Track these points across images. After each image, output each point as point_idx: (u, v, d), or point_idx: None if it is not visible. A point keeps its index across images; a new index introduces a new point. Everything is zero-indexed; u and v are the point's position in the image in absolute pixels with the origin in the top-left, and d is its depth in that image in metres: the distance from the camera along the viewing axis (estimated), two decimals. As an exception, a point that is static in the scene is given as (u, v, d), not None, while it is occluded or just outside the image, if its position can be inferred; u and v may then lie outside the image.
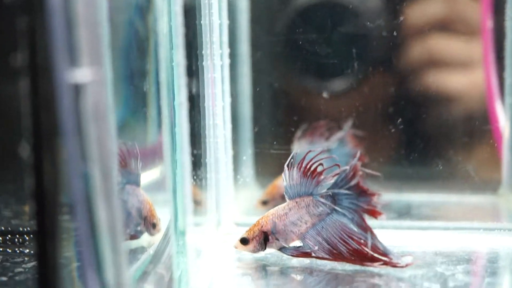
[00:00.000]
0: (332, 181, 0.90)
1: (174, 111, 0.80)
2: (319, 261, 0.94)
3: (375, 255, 0.89)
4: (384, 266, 0.90)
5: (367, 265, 0.91)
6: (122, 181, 0.91)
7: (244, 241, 0.95)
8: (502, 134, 1.25)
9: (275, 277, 0.92)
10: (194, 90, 0.89)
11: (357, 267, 0.92)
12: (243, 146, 1.20)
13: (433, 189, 1.23)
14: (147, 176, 1.01)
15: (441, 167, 1.18)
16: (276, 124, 1.21)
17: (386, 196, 0.92)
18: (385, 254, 0.90)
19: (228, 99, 1.09)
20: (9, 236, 1.08)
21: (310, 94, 1.17)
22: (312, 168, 0.90)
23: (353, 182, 0.88)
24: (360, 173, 0.87)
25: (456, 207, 1.24)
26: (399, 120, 1.17)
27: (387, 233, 1.09)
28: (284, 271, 0.93)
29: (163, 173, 0.92)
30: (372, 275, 0.91)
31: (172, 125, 0.81)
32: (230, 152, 1.11)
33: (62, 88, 0.62)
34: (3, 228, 1.10)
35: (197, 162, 1.02)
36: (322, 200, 0.90)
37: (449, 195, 1.24)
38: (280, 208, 0.94)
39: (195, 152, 1.00)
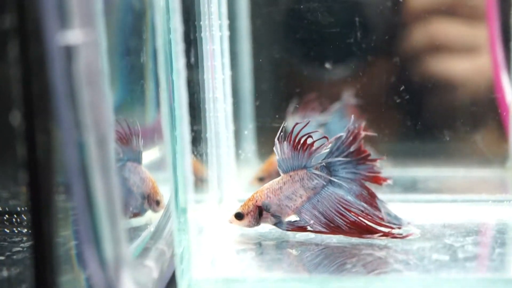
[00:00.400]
0: (326, 150, 0.87)
1: (172, 82, 0.77)
2: (324, 235, 0.91)
3: (375, 226, 0.87)
4: (384, 238, 0.88)
5: (366, 237, 0.88)
6: (123, 159, 0.89)
7: (238, 216, 0.92)
8: (509, 108, 1.22)
9: (278, 252, 0.89)
10: (192, 60, 0.86)
11: (364, 240, 0.90)
12: (245, 120, 1.17)
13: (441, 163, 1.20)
14: (148, 155, 0.99)
15: (447, 139, 1.15)
16: (278, 97, 1.18)
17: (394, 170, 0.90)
18: (386, 225, 0.87)
19: (228, 72, 1.06)
20: (7, 216, 1.05)
21: (312, 65, 1.13)
22: (302, 141, 0.87)
23: (352, 148, 0.85)
24: (362, 135, 0.84)
25: (464, 181, 1.21)
26: (402, 88, 1.14)
27: (394, 206, 1.07)
28: (285, 246, 0.91)
29: (163, 150, 0.90)
30: (379, 248, 0.88)
31: (171, 98, 0.78)
32: (231, 127, 1.08)
33: (53, 51, 0.59)
34: (0, 208, 1.08)
35: (197, 137, 0.99)
36: (317, 172, 0.87)
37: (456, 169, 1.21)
38: (275, 182, 0.91)
39: (195, 127, 0.97)
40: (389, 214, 0.87)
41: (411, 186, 1.17)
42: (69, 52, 0.59)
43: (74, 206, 0.62)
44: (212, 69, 1.01)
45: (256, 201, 0.91)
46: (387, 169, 0.89)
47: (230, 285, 0.81)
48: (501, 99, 1.23)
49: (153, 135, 0.99)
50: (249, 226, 0.92)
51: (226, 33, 1.06)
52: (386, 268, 0.82)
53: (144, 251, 0.83)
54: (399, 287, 0.79)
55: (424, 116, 1.19)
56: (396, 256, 0.86)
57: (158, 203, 0.94)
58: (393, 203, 0.95)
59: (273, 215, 0.91)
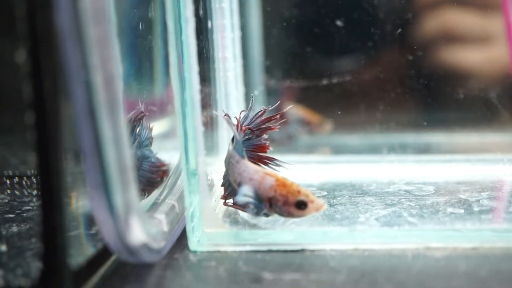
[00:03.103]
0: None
1: (181, 29, 0.75)
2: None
3: None
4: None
5: None
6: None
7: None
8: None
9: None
10: (201, 13, 0.85)
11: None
12: (255, 81, 1.15)
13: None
14: (161, 123, 0.98)
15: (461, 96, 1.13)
16: (289, 56, 1.16)
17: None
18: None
19: (238, 32, 1.05)
20: (17, 179, 1.05)
21: (323, 23, 1.11)
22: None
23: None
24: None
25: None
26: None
27: (408, 167, 1.06)
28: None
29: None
30: (391, 204, 0.87)
31: (182, 57, 0.76)
32: (241, 88, 1.07)
33: (58, -13, 0.58)
34: (10, 172, 1.07)
35: (208, 99, 0.97)
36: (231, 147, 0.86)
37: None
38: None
39: (204, 88, 0.95)
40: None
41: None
42: (74, -12, 0.58)
43: (81, 144, 0.61)
44: (222, 29, 1.00)
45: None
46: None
47: (239, 239, 0.80)
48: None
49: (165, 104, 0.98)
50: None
51: (236, -8, 1.04)
52: (399, 221, 0.80)
53: (154, 205, 0.82)
54: (413, 237, 0.78)
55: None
56: (410, 211, 0.85)
57: None
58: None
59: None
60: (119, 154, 0.64)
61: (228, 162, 0.86)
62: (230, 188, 0.86)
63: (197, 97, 0.77)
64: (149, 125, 0.88)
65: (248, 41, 1.12)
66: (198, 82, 0.76)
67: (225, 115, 0.85)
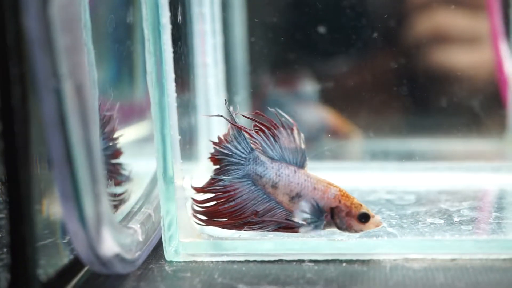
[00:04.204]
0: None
1: (159, 38, 0.74)
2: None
3: None
4: None
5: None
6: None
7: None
8: (507, 79, 1.20)
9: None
10: (180, 19, 0.83)
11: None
12: (238, 86, 1.14)
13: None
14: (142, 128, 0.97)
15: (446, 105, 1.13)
16: (274, 63, 1.14)
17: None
18: None
19: (220, 38, 1.03)
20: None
21: (306, 30, 1.10)
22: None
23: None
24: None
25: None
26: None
27: (389, 176, 1.05)
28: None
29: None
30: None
31: (159, 64, 0.75)
32: (223, 93, 1.06)
33: (27, -6, 0.57)
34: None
35: (186, 104, 0.96)
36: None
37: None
38: None
39: (183, 94, 0.94)
40: None
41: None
42: (43, -5, 0.57)
43: (51, 153, 0.60)
44: (202, 34, 0.99)
45: None
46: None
47: (216, 248, 0.78)
48: (500, 71, 1.20)
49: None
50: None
51: (217, -2, 1.03)
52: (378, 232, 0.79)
53: (129, 214, 0.81)
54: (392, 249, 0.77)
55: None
56: (390, 221, 0.84)
57: None
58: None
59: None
60: (90, 164, 0.62)
61: (271, 176, 0.80)
62: (270, 203, 0.81)
63: (173, 104, 0.75)
64: (112, 136, 0.86)
65: (232, 46, 1.10)
66: (174, 89, 0.75)
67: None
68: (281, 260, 0.77)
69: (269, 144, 0.80)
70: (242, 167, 0.81)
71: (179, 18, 0.84)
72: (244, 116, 0.82)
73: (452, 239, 0.77)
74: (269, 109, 0.79)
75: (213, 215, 0.80)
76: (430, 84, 1.16)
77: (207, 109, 1.01)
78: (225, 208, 0.80)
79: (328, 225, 0.78)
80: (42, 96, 0.59)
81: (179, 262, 0.78)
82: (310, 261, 0.77)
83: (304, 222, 0.78)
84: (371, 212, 0.78)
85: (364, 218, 0.77)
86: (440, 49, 1.18)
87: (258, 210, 0.80)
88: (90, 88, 0.61)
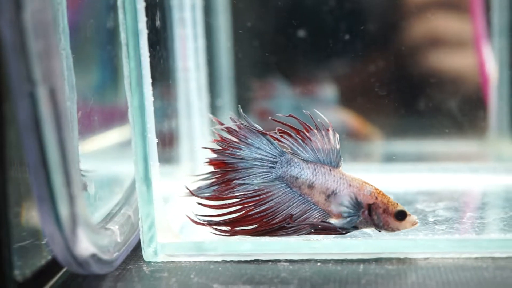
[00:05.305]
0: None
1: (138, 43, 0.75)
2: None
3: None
4: None
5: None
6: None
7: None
8: (489, 81, 1.21)
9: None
10: (158, 24, 0.85)
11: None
12: (222, 90, 1.15)
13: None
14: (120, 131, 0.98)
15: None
16: (257, 67, 1.15)
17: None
18: None
19: (202, 42, 1.05)
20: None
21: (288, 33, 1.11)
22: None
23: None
24: None
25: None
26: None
27: (369, 177, 1.06)
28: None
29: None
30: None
31: (136, 68, 0.76)
32: (205, 97, 1.07)
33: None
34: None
35: (166, 107, 0.97)
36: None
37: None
38: None
39: (162, 96, 0.95)
40: None
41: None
42: (17, 0, 0.58)
43: (27, 157, 0.61)
44: (183, 38, 1.00)
45: None
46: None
47: (195, 249, 0.80)
48: (482, 73, 1.22)
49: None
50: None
51: (199, 2, 1.04)
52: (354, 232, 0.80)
53: (108, 216, 0.82)
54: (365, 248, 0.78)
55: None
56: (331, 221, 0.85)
57: None
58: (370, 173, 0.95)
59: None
60: (64, 167, 0.64)
61: (308, 175, 0.80)
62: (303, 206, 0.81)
63: (150, 107, 0.77)
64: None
65: (215, 50, 1.12)
66: (151, 93, 0.76)
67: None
68: (257, 260, 0.79)
69: (301, 146, 0.80)
70: (274, 170, 0.81)
71: (158, 22, 0.85)
72: (274, 120, 0.80)
73: (425, 239, 0.78)
74: (304, 112, 0.79)
75: (238, 223, 0.80)
76: (411, 86, 1.17)
77: (188, 112, 1.03)
78: (255, 213, 0.79)
79: (364, 223, 0.79)
80: (16, 100, 0.61)
81: (157, 262, 0.79)
82: (286, 261, 0.78)
83: (339, 220, 0.79)
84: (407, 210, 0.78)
85: (401, 216, 0.78)
86: (422, 51, 1.19)
87: (293, 213, 0.80)
88: (64, 92, 0.63)
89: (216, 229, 0.80)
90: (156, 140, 0.78)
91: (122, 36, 0.74)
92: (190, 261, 0.79)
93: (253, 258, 0.79)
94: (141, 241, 0.80)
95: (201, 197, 0.81)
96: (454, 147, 1.16)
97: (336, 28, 1.11)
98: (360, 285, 0.71)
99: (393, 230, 0.78)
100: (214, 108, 1.10)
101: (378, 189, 0.80)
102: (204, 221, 0.80)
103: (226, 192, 0.81)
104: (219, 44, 1.13)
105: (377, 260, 0.77)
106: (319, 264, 0.77)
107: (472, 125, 1.17)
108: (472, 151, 1.17)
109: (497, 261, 0.75)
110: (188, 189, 0.82)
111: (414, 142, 1.18)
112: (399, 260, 0.77)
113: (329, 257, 0.78)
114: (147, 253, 0.80)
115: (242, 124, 0.81)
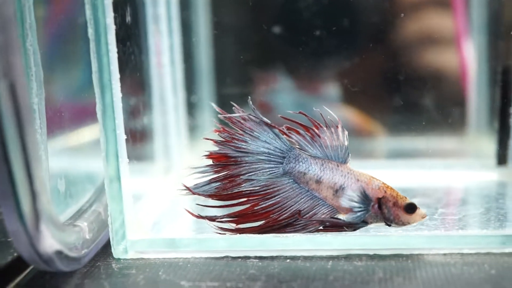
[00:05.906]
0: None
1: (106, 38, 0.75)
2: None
3: None
4: None
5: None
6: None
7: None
8: (469, 78, 1.21)
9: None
10: (128, 20, 0.84)
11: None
12: (201, 86, 1.14)
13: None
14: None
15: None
16: (237, 61, 1.14)
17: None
18: None
19: (177, 38, 1.04)
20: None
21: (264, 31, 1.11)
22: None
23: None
24: None
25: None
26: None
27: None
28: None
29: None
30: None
31: (104, 64, 0.75)
32: (181, 93, 1.07)
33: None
34: None
35: (137, 104, 0.96)
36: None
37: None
38: None
39: (133, 93, 0.93)
40: None
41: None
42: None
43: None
44: (157, 34, 0.99)
45: None
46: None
47: (166, 246, 0.79)
48: (463, 70, 1.22)
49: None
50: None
51: (174, -2, 1.04)
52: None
53: (77, 213, 0.81)
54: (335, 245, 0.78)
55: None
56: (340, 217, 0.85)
57: None
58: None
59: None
60: (27, 163, 0.63)
61: (316, 171, 0.80)
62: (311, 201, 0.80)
63: (119, 103, 0.76)
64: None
65: (193, 46, 1.11)
66: (119, 89, 0.76)
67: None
68: (227, 257, 0.78)
69: (309, 143, 0.79)
70: (282, 165, 0.80)
71: (128, 18, 0.84)
72: (283, 118, 0.80)
73: (396, 235, 0.78)
74: (314, 109, 0.79)
75: (243, 219, 0.79)
76: (388, 82, 1.17)
77: (162, 108, 1.02)
78: (261, 208, 0.78)
79: (373, 218, 0.78)
80: (-25, 96, 0.60)
81: (127, 259, 0.79)
82: (256, 257, 0.78)
83: (348, 214, 0.78)
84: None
85: (411, 209, 0.77)
86: (401, 47, 1.19)
87: (301, 209, 0.79)
88: (25, 87, 0.62)
89: (221, 228, 0.79)
90: (125, 137, 0.77)
91: (90, 31, 0.74)
92: (159, 258, 0.79)
93: (222, 255, 0.78)
94: (111, 238, 0.79)
95: (201, 195, 0.79)
96: (433, 144, 1.16)
97: (311, 24, 1.11)
98: (327, 282, 0.70)
99: (403, 223, 0.78)
100: (190, 105, 1.09)
101: (385, 184, 0.79)
102: (206, 217, 0.79)
103: (231, 189, 0.79)
104: (197, 39, 1.13)
105: (347, 257, 0.77)
106: (288, 260, 0.77)
107: (451, 122, 1.17)
108: (450, 147, 1.17)
109: (465, 257, 0.75)
110: (187, 187, 0.80)
111: (392, 138, 1.17)
112: (368, 256, 0.77)
113: (298, 254, 0.78)
114: (117, 250, 0.79)
115: (248, 115, 0.79)
